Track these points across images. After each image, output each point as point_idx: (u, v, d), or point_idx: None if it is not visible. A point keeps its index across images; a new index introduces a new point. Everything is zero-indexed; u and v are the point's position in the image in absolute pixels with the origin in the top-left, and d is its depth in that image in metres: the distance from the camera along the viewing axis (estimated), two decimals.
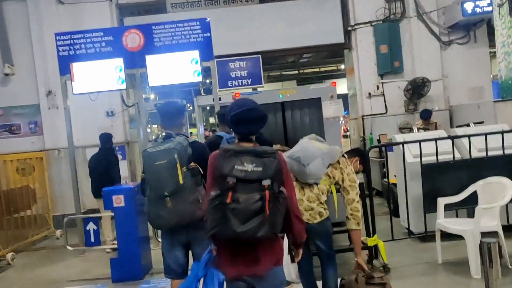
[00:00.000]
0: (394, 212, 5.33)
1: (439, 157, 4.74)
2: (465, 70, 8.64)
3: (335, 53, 12.28)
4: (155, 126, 17.10)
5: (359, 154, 3.87)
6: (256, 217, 2.06)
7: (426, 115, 7.44)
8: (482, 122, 6.56)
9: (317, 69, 17.89)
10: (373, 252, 4.46)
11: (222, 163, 2.12)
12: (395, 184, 5.88)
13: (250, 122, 2.27)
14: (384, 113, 8.66)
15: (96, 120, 8.30)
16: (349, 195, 3.40)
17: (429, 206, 4.60)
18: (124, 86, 6.07)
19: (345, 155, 3.60)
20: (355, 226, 3.39)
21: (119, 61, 5.97)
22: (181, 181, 2.91)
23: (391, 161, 6.15)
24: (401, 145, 5.00)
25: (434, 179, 4.63)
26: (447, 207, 4.46)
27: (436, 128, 7.19)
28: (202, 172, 2.96)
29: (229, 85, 8.15)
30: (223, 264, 2.24)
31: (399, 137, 5.49)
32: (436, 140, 4.77)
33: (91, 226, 5.00)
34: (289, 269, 3.53)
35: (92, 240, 5.03)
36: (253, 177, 2.09)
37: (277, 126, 6.25)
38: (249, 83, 8.22)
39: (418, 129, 6.87)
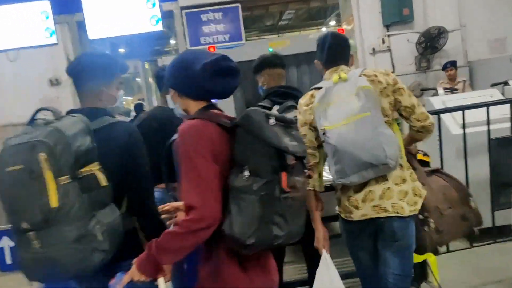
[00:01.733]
0: None
1: (492, 127, 3.34)
2: (486, 17, 7.17)
3: (317, 13, 11.04)
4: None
5: None
6: (304, 206, 1.61)
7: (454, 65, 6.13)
8: None
9: (297, 32, 16.59)
10: (422, 271, 3.06)
11: (269, 134, 1.44)
12: (424, 163, 4.46)
13: (232, 76, 1.61)
14: (392, 72, 7.14)
15: (38, 91, 6.57)
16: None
17: (499, 198, 3.20)
18: (54, 40, 4.38)
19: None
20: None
21: (44, 4, 4.25)
22: (52, 204, 1.47)
23: None
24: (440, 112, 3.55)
25: (506, 159, 3.22)
26: None
27: (464, 89, 5.80)
28: (105, 184, 1.62)
29: (202, 42, 6.60)
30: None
31: (437, 100, 4.03)
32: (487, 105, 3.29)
33: (5, 243, 3.41)
34: None
35: (8, 262, 3.45)
36: (300, 153, 1.52)
37: None
38: (227, 39, 6.68)
39: (445, 89, 5.43)
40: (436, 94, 5.43)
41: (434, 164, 4.12)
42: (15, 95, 5.92)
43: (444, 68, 6.39)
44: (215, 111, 1.64)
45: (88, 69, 1.80)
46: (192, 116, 1.59)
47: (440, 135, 3.30)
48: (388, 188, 2.02)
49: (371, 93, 1.97)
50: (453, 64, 6.35)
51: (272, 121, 1.48)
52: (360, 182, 1.99)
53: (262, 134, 1.44)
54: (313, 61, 3.06)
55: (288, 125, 1.56)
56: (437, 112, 3.32)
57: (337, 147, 1.92)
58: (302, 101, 2.17)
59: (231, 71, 1.60)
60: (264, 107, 2.67)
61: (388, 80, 2.10)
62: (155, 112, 2.51)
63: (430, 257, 2.99)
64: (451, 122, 3.75)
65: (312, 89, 2.17)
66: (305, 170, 1.56)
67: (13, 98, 5.98)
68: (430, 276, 3.04)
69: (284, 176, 1.43)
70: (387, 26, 7.18)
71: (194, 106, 1.64)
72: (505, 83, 5.05)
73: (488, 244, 3.32)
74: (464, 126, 3.28)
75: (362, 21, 7.24)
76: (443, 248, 3.25)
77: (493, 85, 5.52)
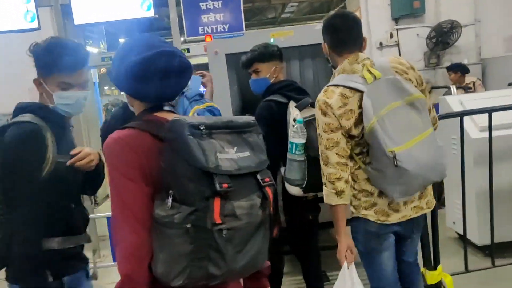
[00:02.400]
0: None
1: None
2: (503, 12, 6.76)
3: (320, 7, 10.70)
4: (108, 88, 14.77)
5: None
6: (258, 233, 1.21)
7: (464, 70, 5.64)
8: None
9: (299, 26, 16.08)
10: None
11: (192, 151, 1.12)
12: None
13: (175, 76, 1.26)
14: None
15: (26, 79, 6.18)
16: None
17: None
18: (35, 24, 4.00)
19: None
20: None
21: None
22: None
23: None
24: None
25: None
26: None
27: (475, 89, 5.43)
28: None
29: (200, 32, 6.26)
30: None
31: (453, 100, 3.65)
32: None
33: None
34: None
35: None
36: (244, 170, 1.19)
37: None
38: (226, 29, 6.34)
39: (457, 87, 5.07)
40: (449, 93, 5.08)
41: (450, 169, 3.78)
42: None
43: (448, 70, 5.96)
44: (159, 115, 1.32)
45: (36, 54, 1.58)
46: (125, 126, 1.27)
47: (462, 140, 2.93)
48: (426, 188, 1.95)
49: (425, 104, 1.83)
50: (457, 67, 5.88)
51: (204, 132, 1.17)
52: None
53: (186, 151, 1.13)
54: (319, 54, 2.70)
55: (240, 130, 1.24)
56: (460, 114, 2.95)
57: (409, 171, 1.72)
58: (330, 101, 1.82)
59: (171, 71, 1.26)
60: (278, 102, 2.38)
61: (417, 78, 1.90)
62: (117, 111, 2.20)
63: (446, 278, 2.66)
64: (470, 125, 3.38)
65: (333, 85, 1.87)
66: (264, 186, 1.22)
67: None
68: None
69: (216, 203, 1.11)
70: (396, 20, 6.77)
71: (138, 106, 1.35)
72: None
73: (511, 264, 2.96)
74: (490, 129, 2.91)
75: (370, 14, 6.82)
76: (461, 268, 2.91)
77: (510, 84, 5.16)
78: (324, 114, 1.83)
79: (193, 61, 11.57)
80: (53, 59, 1.56)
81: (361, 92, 1.78)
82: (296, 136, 2.06)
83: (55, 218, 1.54)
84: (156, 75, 1.24)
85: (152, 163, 1.20)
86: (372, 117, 1.71)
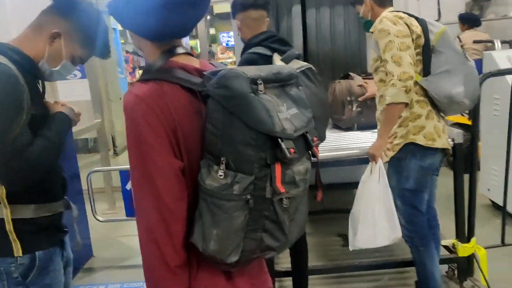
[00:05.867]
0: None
1: None
2: None
3: None
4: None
5: None
6: (305, 198, 1.09)
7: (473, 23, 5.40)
8: None
9: None
10: (469, 265, 2.51)
11: (257, 113, 0.94)
12: (464, 126, 3.77)
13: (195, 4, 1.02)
14: (436, 21, 6.24)
15: None
16: None
17: None
18: None
19: None
20: None
21: None
22: None
23: None
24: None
25: None
26: None
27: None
28: None
29: None
30: None
31: (500, 56, 3.28)
32: None
33: None
34: None
35: None
36: (300, 131, 1.02)
37: (293, 34, 4.00)
38: None
39: (502, 42, 4.60)
40: (492, 48, 4.64)
41: (489, 132, 3.47)
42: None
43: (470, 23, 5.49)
44: (183, 59, 1.07)
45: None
46: (144, 77, 1.03)
47: None
48: (443, 125, 2.17)
49: None
50: (465, 19, 5.46)
51: (261, 88, 0.96)
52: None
53: (248, 113, 0.94)
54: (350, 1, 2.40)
55: (285, 83, 1.06)
56: (510, 72, 2.61)
57: (472, 73, 2.08)
58: (399, 14, 2.10)
59: None
60: (262, 55, 2.10)
61: None
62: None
63: (479, 251, 2.45)
64: None
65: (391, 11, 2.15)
66: (311, 149, 1.07)
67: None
68: (476, 272, 2.50)
69: (278, 170, 0.96)
70: None
71: (151, 49, 1.07)
72: None
73: None
74: None
75: None
76: (496, 240, 2.69)
77: None
78: (395, 23, 2.03)
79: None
80: (94, 38, 1.35)
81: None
82: None
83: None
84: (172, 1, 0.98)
85: (186, 124, 1.01)
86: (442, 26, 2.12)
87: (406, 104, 1.99)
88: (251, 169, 0.95)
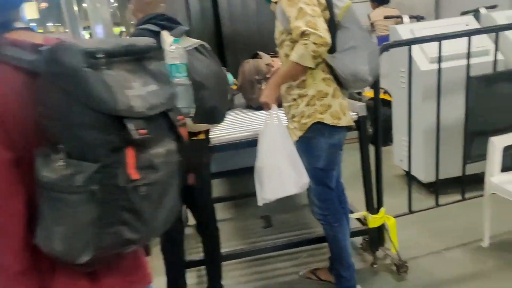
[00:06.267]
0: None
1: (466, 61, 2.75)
2: None
3: None
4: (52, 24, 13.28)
5: None
6: (173, 182, 1.01)
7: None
8: (495, 6, 4.62)
9: None
10: (379, 235, 2.57)
11: (95, 90, 0.82)
12: (384, 102, 3.90)
13: None
14: None
15: None
16: None
17: (473, 149, 2.68)
18: None
19: None
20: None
21: None
22: None
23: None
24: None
25: (487, 102, 2.66)
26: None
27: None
28: None
29: None
30: None
31: (404, 29, 3.37)
32: (468, 34, 2.70)
33: None
34: None
35: None
36: (157, 109, 0.93)
37: (203, 15, 3.85)
38: None
39: (410, 17, 4.77)
40: (400, 22, 4.79)
41: (397, 101, 3.58)
42: None
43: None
44: (19, 34, 0.93)
45: None
46: None
47: (410, 71, 2.67)
48: (347, 102, 2.17)
49: None
50: None
51: (102, 62, 0.84)
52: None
53: (84, 91, 0.82)
54: None
55: (141, 57, 0.95)
56: (408, 43, 2.66)
57: (376, 50, 2.08)
58: None
59: None
60: (150, 31, 1.98)
61: None
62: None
63: (389, 220, 2.51)
64: (419, 56, 3.13)
65: None
66: (175, 129, 1.00)
67: None
68: (387, 242, 2.57)
69: (130, 154, 0.86)
70: None
71: None
72: (476, 11, 4.44)
73: (455, 202, 2.85)
74: (440, 60, 2.65)
75: None
76: (404, 209, 2.78)
77: (463, 13, 4.92)
78: (307, 3, 1.91)
79: None
80: None
81: None
82: (176, 57, 1.76)
83: None
84: None
85: (15, 110, 0.87)
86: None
87: (309, 69, 1.96)
88: (96, 155, 0.83)
